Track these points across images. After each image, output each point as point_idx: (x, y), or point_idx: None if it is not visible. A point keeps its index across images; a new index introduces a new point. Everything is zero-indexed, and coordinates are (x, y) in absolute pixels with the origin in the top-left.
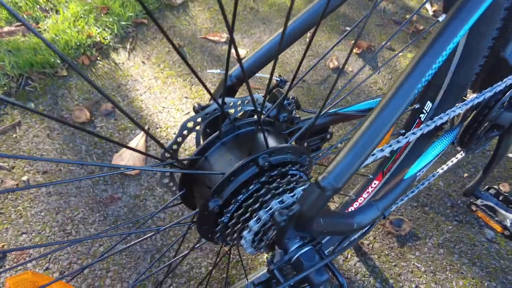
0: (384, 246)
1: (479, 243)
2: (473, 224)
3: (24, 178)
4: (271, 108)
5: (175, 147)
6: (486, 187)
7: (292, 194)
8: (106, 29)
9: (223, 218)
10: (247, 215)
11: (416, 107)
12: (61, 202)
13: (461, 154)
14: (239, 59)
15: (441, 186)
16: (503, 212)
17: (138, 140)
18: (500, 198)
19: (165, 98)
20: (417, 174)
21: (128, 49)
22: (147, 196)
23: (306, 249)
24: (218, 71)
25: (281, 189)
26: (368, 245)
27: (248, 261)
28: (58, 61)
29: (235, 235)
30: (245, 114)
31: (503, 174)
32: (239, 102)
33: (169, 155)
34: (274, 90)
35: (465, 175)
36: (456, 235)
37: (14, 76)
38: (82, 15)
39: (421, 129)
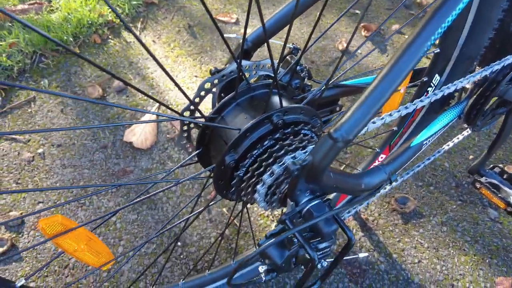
0: (388, 223)
1: (482, 222)
2: (477, 204)
3: (40, 150)
4: (285, 72)
5: (192, 107)
6: (491, 165)
7: (304, 151)
8: (118, 8)
9: (238, 172)
10: (261, 169)
11: (425, 79)
12: (75, 174)
13: (468, 131)
14: (262, 21)
15: (446, 167)
16: (506, 189)
17: (150, 115)
18: (505, 176)
19: (176, 77)
20: (424, 143)
21: (139, 28)
22: (158, 170)
23: (316, 201)
24: (235, 35)
25: (293, 146)
26: (373, 221)
27: (256, 233)
28: (71, 39)
29: (250, 189)
30: (260, 78)
31: (510, 157)
32: (254, 66)
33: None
34: (288, 57)
35: (471, 157)
36: (460, 214)
37: (29, 53)
38: None
39: (428, 97)
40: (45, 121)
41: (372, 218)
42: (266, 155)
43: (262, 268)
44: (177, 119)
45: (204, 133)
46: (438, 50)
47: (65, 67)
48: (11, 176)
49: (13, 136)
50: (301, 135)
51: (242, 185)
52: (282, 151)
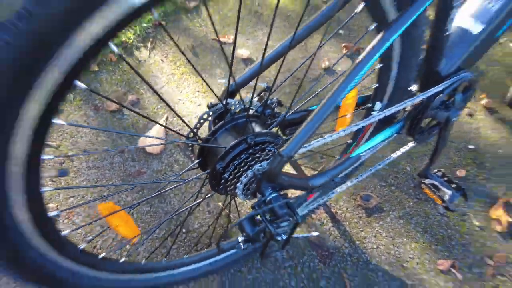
0: (354, 216)
1: (433, 216)
2: (430, 201)
3: (69, 154)
4: (259, 105)
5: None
6: (436, 170)
7: (268, 162)
8: (130, 30)
9: (225, 175)
10: (240, 173)
11: (369, 105)
12: (98, 174)
13: (413, 143)
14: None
15: (407, 170)
16: (444, 189)
17: (159, 127)
18: (444, 178)
19: (181, 92)
20: (361, 155)
21: (148, 48)
22: (167, 171)
23: (274, 195)
24: (224, 81)
25: (261, 158)
26: (341, 214)
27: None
28: None
29: (232, 186)
30: (241, 110)
31: (462, 162)
32: (236, 103)
33: (192, 135)
34: (262, 94)
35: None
36: (415, 210)
37: None
38: None
39: (367, 120)
40: (72, 129)
41: (341, 211)
42: (243, 164)
43: (240, 239)
44: (183, 142)
45: (203, 149)
46: (377, 85)
47: (86, 83)
48: (46, 175)
49: (47, 142)
50: (267, 150)
51: (228, 183)
52: (253, 162)
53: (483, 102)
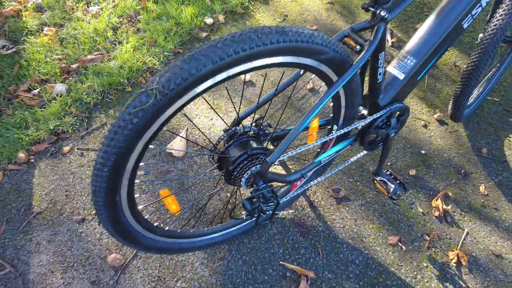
0: (327, 203)
1: (388, 205)
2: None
3: None
4: (256, 130)
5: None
6: (386, 170)
7: (260, 165)
8: (155, 57)
9: (234, 173)
10: (243, 172)
11: (329, 127)
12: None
13: (364, 152)
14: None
15: (370, 169)
16: (390, 184)
17: (182, 136)
18: (391, 176)
19: (197, 108)
20: (322, 160)
21: None
22: (188, 170)
23: (264, 185)
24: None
25: (256, 163)
26: (317, 202)
27: None
28: (126, 81)
29: (238, 180)
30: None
31: (414, 164)
32: (241, 129)
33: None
34: (258, 121)
35: (389, 163)
36: (374, 200)
37: (99, 92)
38: (138, 47)
39: (327, 137)
40: None
41: (317, 200)
42: (245, 167)
43: (244, 214)
44: (205, 154)
45: (220, 157)
46: (332, 115)
47: (123, 101)
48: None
49: (96, 148)
50: (260, 158)
51: (236, 178)
52: (251, 165)
53: (436, 115)
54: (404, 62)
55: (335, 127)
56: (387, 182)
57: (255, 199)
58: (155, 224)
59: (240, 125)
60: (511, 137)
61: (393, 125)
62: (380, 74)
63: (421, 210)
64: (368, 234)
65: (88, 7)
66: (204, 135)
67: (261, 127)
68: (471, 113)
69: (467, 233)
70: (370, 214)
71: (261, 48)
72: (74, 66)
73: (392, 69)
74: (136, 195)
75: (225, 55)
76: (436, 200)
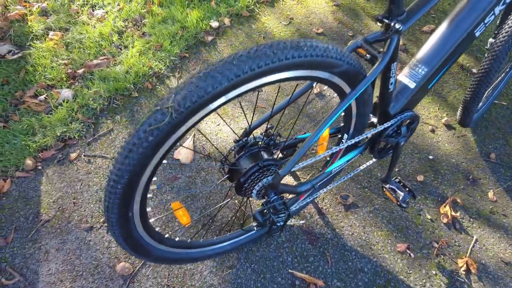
0: (335, 210)
1: (396, 211)
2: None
3: None
4: (266, 140)
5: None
6: (394, 177)
7: (272, 177)
8: (161, 62)
9: (245, 185)
10: (255, 184)
11: (339, 136)
12: None
13: (373, 160)
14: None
15: (378, 176)
16: (399, 192)
17: (189, 142)
18: (401, 184)
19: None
20: (333, 170)
21: (177, 77)
22: (196, 177)
23: (275, 197)
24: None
25: (267, 175)
26: (325, 209)
27: None
28: (132, 87)
29: (249, 191)
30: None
31: (422, 169)
32: (252, 140)
33: (224, 160)
34: (268, 131)
35: (397, 169)
36: (382, 207)
37: (106, 97)
38: (143, 51)
39: (338, 147)
40: (122, 144)
41: (325, 207)
42: (256, 179)
43: (255, 226)
44: (218, 166)
45: (230, 169)
46: (343, 124)
47: (129, 106)
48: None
49: (103, 155)
50: (271, 169)
51: (247, 190)
52: (262, 177)
53: (443, 120)
54: (415, 71)
55: (345, 136)
56: (396, 189)
57: (266, 211)
58: (166, 235)
59: (251, 135)
60: None
61: (403, 134)
62: (391, 83)
63: (429, 217)
64: (376, 242)
65: (93, 10)
66: (215, 147)
67: (272, 137)
68: (479, 117)
69: (476, 240)
70: (379, 221)
71: (276, 64)
72: (80, 71)
73: (403, 77)
74: (148, 209)
75: (240, 72)
76: (445, 206)
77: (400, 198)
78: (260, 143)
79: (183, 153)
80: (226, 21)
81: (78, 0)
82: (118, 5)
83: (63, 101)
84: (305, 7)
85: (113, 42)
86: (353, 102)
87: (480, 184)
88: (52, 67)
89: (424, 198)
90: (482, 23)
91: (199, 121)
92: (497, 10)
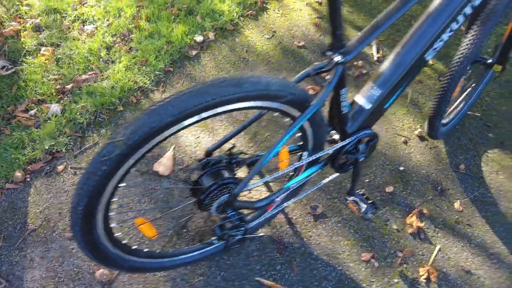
0: (304, 220)
1: (363, 221)
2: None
3: None
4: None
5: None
6: (359, 190)
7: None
8: (146, 76)
9: (205, 201)
10: (214, 200)
11: (299, 153)
12: (125, 191)
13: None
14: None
15: (348, 186)
16: (362, 204)
17: (169, 154)
18: (364, 196)
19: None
20: (290, 186)
21: (161, 91)
22: (174, 189)
23: (233, 212)
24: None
25: (225, 192)
26: (295, 219)
27: None
28: (118, 101)
29: (210, 207)
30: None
31: (392, 180)
32: (214, 159)
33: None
34: (230, 149)
35: (367, 180)
36: (350, 217)
37: (92, 112)
38: (130, 66)
39: (297, 164)
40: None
41: (295, 217)
42: (215, 196)
43: (214, 239)
44: (178, 186)
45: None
46: (302, 142)
47: (114, 120)
48: None
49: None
50: (229, 187)
51: (207, 205)
52: (221, 194)
53: (417, 132)
54: (371, 93)
55: (305, 153)
56: (359, 202)
57: (224, 225)
58: (134, 247)
59: (215, 153)
60: (490, 152)
61: (362, 150)
62: (344, 106)
63: (395, 227)
64: (342, 251)
65: (83, 26)
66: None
67: (233, 156)
68: (450, 129)
69: (440, 249)
70: (346, 230)
71: (217, 100)
72: (69, 86)
73: (360, 98)
74: (113, 225)
75: (182, 109)
76: (411, 217)
77: (363, 210)
78: (222, 161)
79: (162, 165)
80: (211, 35)
81: (70, 16)
82: (108, 20)
83: (52, 116)
84: (288, 19)
85: (101, 57)
86: (307, 124)
87: (448, 194)
88: (43, 82)
89: (392, 208)
90: (431, 48)
91: (148, 151)
92: (445, 36)
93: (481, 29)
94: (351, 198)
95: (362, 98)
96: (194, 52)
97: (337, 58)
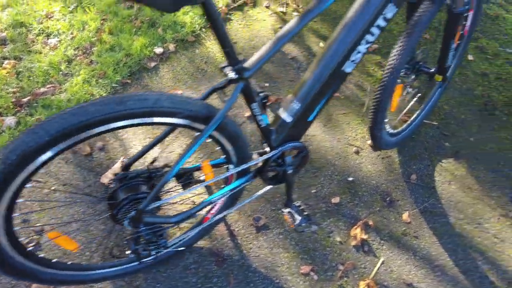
0: (246, 232)
1: (305, 234)
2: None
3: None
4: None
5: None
6: (296, 202)
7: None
8: (103, 89)
9: (118, 216)
10: (126, 215)
11: (225, 167)
12: (83, 206)
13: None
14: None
15: (294, 198)
16: (296, 216)
17: (116, 166)
18: (300, 208)
19: (136, 138)
20: (212, 200)
21: None
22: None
23: (144, 228)
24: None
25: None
26: (237, 231)
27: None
28: None
29: (123, 221)
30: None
31: (340, 191)
32: (131, 173)
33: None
34: (152, 163)
35: (313, 191)
36: (292, 228)
37: None
38: (88, 79)
39: (222, 175)
40: (56, 168)
41: (237, 229)
42: (126, 211)
43: (128, 252)
44: (93, 201)
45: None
46: (224, 156)
47: None
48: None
49: (37, 179)
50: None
51: (121, 219)
52: (131, 210)
53: (370, 141)
54: (291, 106)
55: (231, 166)
56: (294, 214)
57: (139, 240)
58: (54, 260)
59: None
60: (444, 162)
61: (289, 163)
62: (260, 121)
63: (339, 239)
64: (282, 263)
65: (48, 39)
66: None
67: (152, 169)
68: (403, 139)
69: (383, 262)
70: (287, 243)
71: (97, 119)
72: (26, 99)
73: (282, 112)
74: (23, 238)
75: (61, 128)
76: (356, 228)
77: (297, 223)
78: (139, 176)
79: (108, 178)
80: (171, 47)
81: (35, 29)
82: (72, 33)
83: (6, 128)
84: (251, 30)
85: (61, 71)
86: (222, 137)
87: (397, 205)
88: (0, 96)
89: (337, 220)
90: (348, 60)
91: (34, 172)
92: (361, 48)
93: (407, 40)
94: (287, 210)
95: (284, 112)
96: (153, 64)
97: (231, 75)
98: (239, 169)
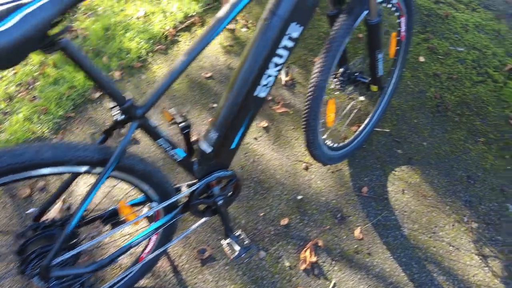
0: (191, 266)
1: (254, 261)
2: (252, 250)
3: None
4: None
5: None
6: (236, 231)
7: None
8: (45, 125)
9: (26, 271)
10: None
11: (147, 204)
12: None
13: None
14: None
15: (242, 223)
16: (235, 246)
17: (57, 206)
18: (240, 237)
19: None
20: (132, 244)
21: (59, 138)
22: None
23: (55, 282)
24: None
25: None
26: (181, 265)
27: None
28: None
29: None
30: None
31: (289, 211)
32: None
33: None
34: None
35: (262, 214)
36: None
37: None
38: (29, 116)
39: (144, 214)
40: None
41: (181, 264)
42: (35, 265)
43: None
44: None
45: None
46: (143, 195)
47: None
48: None
49: None
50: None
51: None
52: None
53: None
54: (209, 136)
55: (154, 203)
56: (233, 245)
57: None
58: None
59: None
60: (397, 170)
61: (218, 194)
62: (174, 155)
63: (288, 264)
64: None
65: None
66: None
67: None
68: (350, 152)
69: (334, 285)
70: (234, 273)
71: None
72: None
73: (202, 142)
74: None
75: None
76: (305, 251)
77: (235, 255)
78: (53, 225)
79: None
80: (117, 74)
81: None
82: (14, 69)
83: None
84: None
85: (1, 109)
86: (132, 178)
87: (348, 222)
88: None
89: (286, 243)
90: (260, 85)
91: None
92: (272, 72)
93: (325, 57)
94: (227, 240)
95: (203, 142)
96: (97, 95)
97: (117, 116)
98: (164, 205)
